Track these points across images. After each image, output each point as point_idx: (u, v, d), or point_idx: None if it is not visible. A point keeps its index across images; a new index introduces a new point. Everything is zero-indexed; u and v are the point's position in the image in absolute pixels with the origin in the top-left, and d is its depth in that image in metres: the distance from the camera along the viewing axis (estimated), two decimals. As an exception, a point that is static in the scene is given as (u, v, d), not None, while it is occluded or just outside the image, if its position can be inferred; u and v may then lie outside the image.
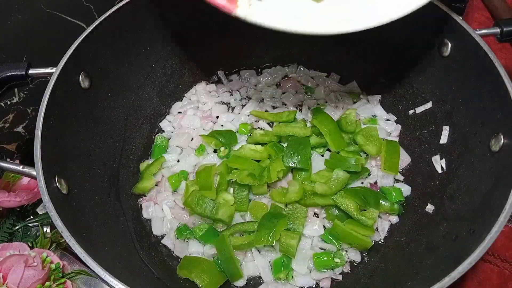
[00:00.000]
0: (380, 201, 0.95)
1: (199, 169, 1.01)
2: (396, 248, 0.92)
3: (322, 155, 1.03)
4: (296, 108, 1.14)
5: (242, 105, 1.16)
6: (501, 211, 0.70)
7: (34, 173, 0.78)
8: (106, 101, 1.02)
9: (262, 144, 1.03)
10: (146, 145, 1.11)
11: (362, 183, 1.01)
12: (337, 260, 0.90)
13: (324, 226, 0.95)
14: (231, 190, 0.98)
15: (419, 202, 0.96)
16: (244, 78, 1.21)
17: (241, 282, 0.90)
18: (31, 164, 0.79)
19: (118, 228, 0.93)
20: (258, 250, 0.93)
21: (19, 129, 1.09)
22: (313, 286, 0.90)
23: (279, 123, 1.07)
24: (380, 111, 1.12)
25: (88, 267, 0.70)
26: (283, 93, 1.17)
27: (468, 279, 0.89)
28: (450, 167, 0.94)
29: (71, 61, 0.89)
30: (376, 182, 1.01)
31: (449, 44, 0.93)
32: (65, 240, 0.72)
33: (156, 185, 1.03)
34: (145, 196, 1.03)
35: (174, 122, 1.13)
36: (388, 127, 1.09)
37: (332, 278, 0.90)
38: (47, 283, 0.88)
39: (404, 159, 1.03)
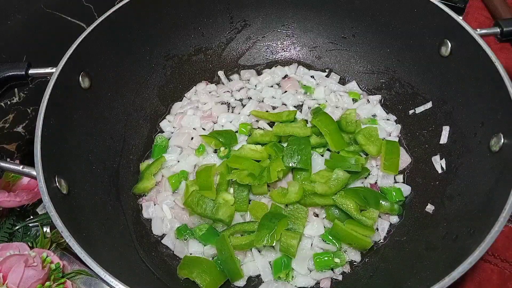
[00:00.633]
0: (380, 201, 0.95)
1: (199, 169, 1.01)
2: (396, 248, 0.91)
3: (322, 155, 1.03)
4: (296, 108, 1.14)
5: (242, 105, 1.16)
6: (501, 211, 0.70)
7: (34, 173, 0.78)
8: (106, 101, 1.02)
9: (262, 144, 1.03)
10: (146, 145, 1.11)
11: (362, 183, 1.01)
12: (337, 260, 0.90)
13: (324, 226, 0.95)
14: (231, 190, 0.98)
15: (419, 202, 0.96)
16: (244, 78, 1.21)
17: (241, 282, 0.90)
18: (31, 164, 0.79)
19: (118, 228, 0.93)
20: (258, 250, 0.93)
21: (19, 129, 1.09)
22: (313, 286, 0.90)
23: (279, 123, 1.07)
24: (380, 111, 1.12)
25: (88, 267, 0.70)
26: (283, 93, 1.17)
27: (468, 279, 0.89)
28: (450, 167, 0.94)
29: (71, 61, 0.89)
30: (376, 182, 1.01)
31: (449, 44, 0.93)
32: (65, 240, 0.72)
33: (156, 185, 1.03)
34: (145, 196, 1.03)
35: (174, 122, 1.13)
36: (388, 127, 1.09)
37: (332, 278, 0.90)
38: (47, 283, 0.88)
39: (404, 159, 1.02)
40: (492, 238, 0.68)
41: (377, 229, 0.95)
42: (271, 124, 1.11)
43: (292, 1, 1.15)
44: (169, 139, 1.10)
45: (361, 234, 0.90)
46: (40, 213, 1.06)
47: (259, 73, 1.22)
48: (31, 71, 0.87)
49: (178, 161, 1.06)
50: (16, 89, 1.07)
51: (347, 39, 1.16)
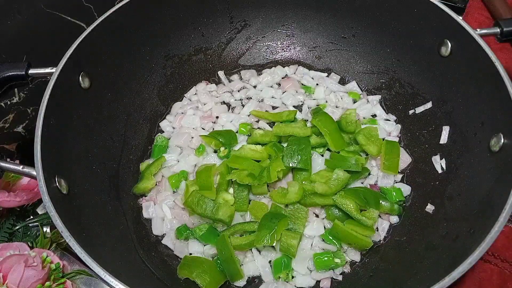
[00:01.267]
0: (380, 201, 0.95)
1: (199, 169, 1.01)
2: (396, 248, 0.91)
3: (322, 155, 1.03)
4: (296, 108, 1.14)
5: (242, 105, 1.16)
6: (501, 211, 0.70)
7: (34, 173, 0.78)
8: (106, 101, 1.02)
9: (262, 144, 1.03)
10: (146, 145, 1.11)
11: (362, 183, 1.01)
12: (337, 260, 0.90)
13: (324, 226, 0.95)
14: (231, 190, 0.98)
15: (419, 202, 0.96)
16: (244, 78, 1.21)
17: (241, 282, 0.90)
18: (31, 164, 0.79)
19: (118, 228, 0.93)
20: (258, 250, 0.93)
21: (19, 129, 1.09)
22: (313, 286, 0.90)
23: (279, 123, 1.07)
24: (380, 111, 1.11)
25: (88, 267, 0.70)
26: (283, 93, 1.17)
27: (469, 279, 0.89)
28: (450, 167, 0.94)
29: (71, 61, 0.89)
30: (376, 183, 1.01)
31: (449, 44, 0.93)
32: (65, 240, 0.72)
33: (156, 185, 1.03)
34: (145, 196, 1.03)
35: (174, 122, 1.13)
36: (388, 127, 1.09)
37: (332, 278, 0.90)
38: (47, 283, 0.88)
39: (404, 159, 1.02)
40: (492, 238, 0.68)
41: (377, 229, 0.95)
42: (271, 124, 1.11)
43: (292, 1, 1.15)
44: (169, 139, 1.10)
45: (361, 234, 0.90)
46: (40, 213, 1.06)
47: (259, 73, 1.22)
48: (31, 71, 0.87)
49: (178, 161, 1.06)
50: (16, 89, 1.07)
51: (347, 39, 1.16)
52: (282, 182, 0.99)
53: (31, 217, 1.03)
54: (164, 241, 0.97)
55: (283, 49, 1.23)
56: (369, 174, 1.01)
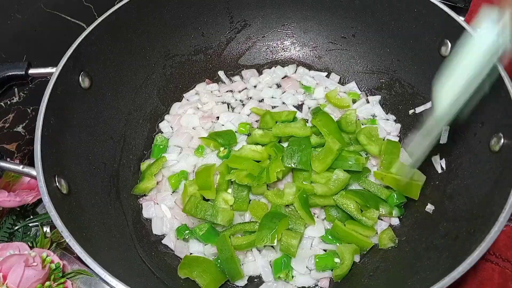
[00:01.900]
0: (380, 207, 0.94)
1: (198, 169, 1.01)
2: (396, 248, 0.91)
3: (322, 155, 1.03)
4: (296, 108, 1.14)
5: (242, 105, 1.16)
6: (501, 211, 0.70)
7: (34, 173, 0.78)
8: (106, 101, 1.02)
9: (263, 145, 1.03)
10: (146, 145, 1.11)
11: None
12: (337, 260, 0.90)
13: (324, 227, 0.95)
14: (231, 190, 0.98)
15: (419, 202, 0.96)
16: (245, 78, 1.21)
17: (241, 282, 0.90)
18: (31, 164, 0.79)
19: (118, 228, 0.93)
20: (259, 250, 0.93)
21: (19, 129, 1.09)
22: (313, 286, 0.90)
23: (278, 123, 1.07)
24: (379, 111, 1.11)
25: (88, 267, 0.70)
26: (283, 93, 1.17)
27: (470, 278, 0.88)
28: (450, 167, 0.94)
29: (71, 61, 0.89)
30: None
31: (449, 44, 0.93)
32: (65, 240, 0.72)
33: (156, 185, 1.03)
34: (145, 196, 1.02)
35: (174, 122, 1.13)
36: (388, 127, 1.09)
37: (331, 278, 0.90)
38: (47, 283, 0.88)
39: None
40: (492, 238, 0.68)
41: (377, 232, 0.95)
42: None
43: (292, 1, 1.15)
44: (169, 139, 1.10)
45: (361, 234, 0.90)
46: (40, 213, 1.06)
47: (259, 73, 1.22)
48: (31, 71, 0.87)
49: (178, 161, 1.06)
50: (16, 89, 1.07)
51: (347, 39, 1.16)
52: (282, 183, 0.99)
53: (31, 217, 1.03)
54: (164, 241, 0.97)
55: (283, 49, 1.23)
56: (369, 174, 1.01)
